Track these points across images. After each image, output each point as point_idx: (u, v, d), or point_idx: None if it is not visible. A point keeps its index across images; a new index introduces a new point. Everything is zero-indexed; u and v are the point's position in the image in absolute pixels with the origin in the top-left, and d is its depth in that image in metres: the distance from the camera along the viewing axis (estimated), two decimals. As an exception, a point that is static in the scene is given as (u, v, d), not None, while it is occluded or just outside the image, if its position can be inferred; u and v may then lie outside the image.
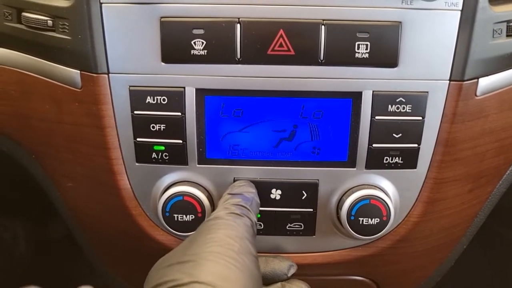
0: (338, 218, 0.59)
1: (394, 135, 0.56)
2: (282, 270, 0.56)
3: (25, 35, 0.56)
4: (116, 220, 0.63)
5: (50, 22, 0.54)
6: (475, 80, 0.55)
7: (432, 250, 0.66)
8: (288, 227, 0.60)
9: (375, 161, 0.57)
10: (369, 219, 0.57)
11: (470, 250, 0.70)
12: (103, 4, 0.52)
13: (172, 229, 0.58)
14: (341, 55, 0.53)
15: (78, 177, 0.62)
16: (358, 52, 0.53)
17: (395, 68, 0.54)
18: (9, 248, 1.16)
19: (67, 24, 0.53)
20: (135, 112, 0.55)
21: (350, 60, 0.53)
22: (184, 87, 0.54)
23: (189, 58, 0.53)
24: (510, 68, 0.56)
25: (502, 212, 0.69)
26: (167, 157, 0.57)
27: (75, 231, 0.70)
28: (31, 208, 1.12)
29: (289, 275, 0.56)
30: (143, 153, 0.57)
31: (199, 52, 0.53)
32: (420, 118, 0.55)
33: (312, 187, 0.59)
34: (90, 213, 0.65)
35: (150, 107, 0.55)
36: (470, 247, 0.69)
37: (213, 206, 0.59)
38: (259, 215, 0.60)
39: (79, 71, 0.55)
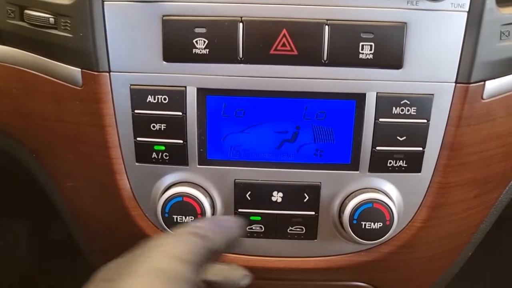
0: (340, 221, 0.58)
1: (398, 138, 0.55)
2: (234, 280, 0.51)
3: (27, 32, 0.56)
4: (115, 220, 0.62)
5: (52, 20, 0.54)
6: (482, 83, 0.54)
7: (437, 257, 0.65)
8: (289, 230, 0.59)
9: (379, 164, 0.56)
10: (372, 223, 0.56)
11: (473, 257, 0.69)
12: (105, 2, 0.52)
13: (171, 230, 0.57)
14: (345, 55, 0.52)
15: (78, 177, 0.62)
16: (362, 53, 0.52)
17: (400, 70, 0.53)
18: (11, 249, 1.16)
19: (69, 21, 0.53)
20: (136, 111, 0.55)
21: (354, 61, 0.52)
22: (185, 87, 0.54)
23: (190, 57, 0.52)
24: (518, 71, 0.55)
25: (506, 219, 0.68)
26: (167, 157, 0.56)
27: (74, 231, 0.69)
28: (33, 208, 1.12)
29: (241, 284, 0.51)
30: (143, 153, 0.57)
31: (201, 51, 0.52)
32: (425, 121, 0.54)
33: (314, 190, 0.58)
34: (89, 213, 0.65)
35: (151, 106, 0.54)
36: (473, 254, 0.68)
37: (213, 208, 0.58)
38: (259, 218, 0.59)
39: (80, 69, 0.55)
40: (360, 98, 0.54)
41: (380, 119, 0.54)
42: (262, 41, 0.52)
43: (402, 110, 0.54)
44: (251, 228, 0.59)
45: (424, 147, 0.56)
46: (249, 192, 0.58)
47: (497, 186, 0.62)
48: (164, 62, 0.53)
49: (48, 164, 0.64)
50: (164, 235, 0.43)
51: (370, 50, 0.52)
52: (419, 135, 0.55)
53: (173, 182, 0.58)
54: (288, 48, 0.52)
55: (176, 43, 0.52)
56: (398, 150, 0.55)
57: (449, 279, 0.69)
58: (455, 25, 0.52)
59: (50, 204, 0.71)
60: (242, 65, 0.53)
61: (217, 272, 0.51)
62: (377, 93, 0.54)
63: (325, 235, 0.60)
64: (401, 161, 0.56)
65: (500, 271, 1.05)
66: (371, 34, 0.51)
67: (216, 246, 0.44)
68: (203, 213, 0.56)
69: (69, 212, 0.67)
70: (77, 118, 0.57)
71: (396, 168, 0.56)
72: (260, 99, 0.55)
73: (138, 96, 0.54)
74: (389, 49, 0.52)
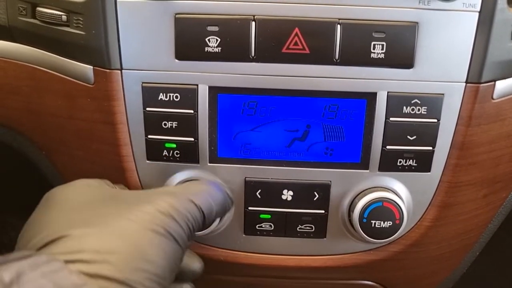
0: (350, 220, 0.58)
1: (408, 137, 0.55)
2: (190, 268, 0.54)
3: (39, 30, 0.56)
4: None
5: (64, 17, 0.54)
6: (492, 82, 0.54)
7: (445, 256, 0.65)
8: (299, 228, 0.60)
9: (389, 163, 0.56)
10: (382, 222, 0.56)
11: (479, 257, 0.69)
12: (118, 0, 0.52)
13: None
14: (357, 55, 0.52)
15: (88, 174, 0.61)
16: (374, 52, 0.52)
17: (411, 69, 0.53)
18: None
19: (81, 19, 0.53)
20: (147, 108, 0.55)
21: (366, 60, 0.52)
22: (197, 85, 0.54)
23: (203, 55, 0.53)
24: (528, 72, 0.56)
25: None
26: (178, 155, 0.57)
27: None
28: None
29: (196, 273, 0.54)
30: (154, 151, 0.57)
31: (213, 50, 0.52)
32: (436, 120, 0.55)
33: (324, 189, 0.58)
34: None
35: (163, 104, 0.55)
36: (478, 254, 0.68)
37: (224, 206, 0.58)
38: (269, 216, 0.59)
39: (92, 67, 0.55)
40: (371, 97, 0.54)
41: (391, 118, 0.54)
42: (274, 40, 0.52)
43: (412, 110, 0.54)
44: (261, 226, 0.60)
45: (434, 147, 0.56)
46: (259, 190, 0.58)
47: (505, 186, 0.62)
48: (176, 60, 0.53)
49: (58, 162, 0.64)
50: (168, 190, 0.47)
51: (382, 49, 0.52)
52: (429, 134, 0.55)
53: (184, 180, 0.58)
54: (300, 46, 0.52)
55: (189, 41, 0.52)
56: (408, 149, 0.56)
57: (457, 278, 0.69)
58: (466, 25, 0.52)
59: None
60: (254, 63, 0.53)
61: None
62: (388, 92, 0.54)
63: (335, 234, 0.60)
64: (411, 160, 0.56)
65: (505, 271, 1.05)
66: (383, 34, 0.51)
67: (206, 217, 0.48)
68: (213, 211, 0.56)
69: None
70: (88, 115, 0.57)
71: (406, 167, 0.56)
72: (271, 97, 0.55)
73: (149, 94, 0.55)
74: (401, 49, 0.52)
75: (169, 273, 0.41)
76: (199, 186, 0.50)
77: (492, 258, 1.01)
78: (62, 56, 0.57)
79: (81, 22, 0.53)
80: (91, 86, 0.55)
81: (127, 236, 0.40)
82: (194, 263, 0.54)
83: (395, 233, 0.57)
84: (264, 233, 0.60)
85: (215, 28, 0.52)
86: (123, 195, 0.48)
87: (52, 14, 0.54)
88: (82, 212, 0.43)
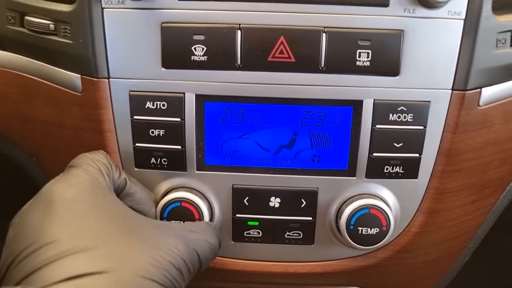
0: (337, 227, 0.58)
1: (395, 144, 0.55)
2: None
3: (27, 38, 0.57)
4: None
5: (52, 26, 0.54)
6: (478, 90, 0.54)
7: (433, 262, 0.65)
8: (287, 235, 0.60)
9: (376, 170, 0.57)
10: (369, 229, 0.56)
11: (471, 260, 0.69)
12: (104, 9, 0.52)
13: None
14: (342, 63, 0.52)
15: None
16: (359, 60, 0.52)
17: (397, 77, 0.53)
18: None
19: (68, 28, 0.54)
20: (135, 117, 0.55)
21: (351, 68, 0.52)
22: (184, 93, 0.54)
23: (189, 64, 0.53)
24: (514, 79, 0.56)
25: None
26: (166, 163, 0.57)
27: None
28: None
29: None
30: (142, 158, 0.57)
31: (199, 58, 0.52)
32: (422, 127, 0.55)
33: (312, 195, 0.58)
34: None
35: (150, 112, 0.55)
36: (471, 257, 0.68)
37: (211, 213, 0.58)
38: (257, 223, 0.59)
39: (79, 75, 0.55)
40: (357, 105, 0.54)
41: (377, 126, 0.55)
42: (260, 48, 0.52)
43: (399, 117, 0.54)
44: (249, 233, 0.60)
45: (420, 154, 0.56)
46: (247, 198, 0.58)
47: (494, 192, 0.62)
48: (163, 69, 0.54)
49: (48, 168, 0.65)
50: (178, 233, 0.48)
51: (367, 57, 0.52)
52: (415, 141, 0.55)
53: (171, 188, 0.58)
54: (286, 55, 0.52)
55: (175, 50, 0.53)
56: (395, 156, 0.56)
57: (446, 284, 0.69)
58: (452, 32, 0.52)
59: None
60: (240, 71, 0.53)
61: None
62: (374, 100, 0.54)
63: (322, 240, 0.61)
64: (397, 167, 0.56)
65: (498, 274, 1.05)
66: (368, 42, 0.52)
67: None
68: (201, 218, 0.57)
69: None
70: (76, 123, 0.58)
71: (393, 174, 0.57)
72: (258, 105, 0.55)
73: (137, 102, 0.55)
74: (386, 57, 0.52)
75: None
76: (204, 235, 0.50)
77: (487, 261, 1.01)
78: (50, 65, 0.57)
79: (69, 31, 0.54)
80: (79, 94, 0.56)
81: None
82: None
83: (382, 239, 0.57)
84: (252, 240, 0.60)
85: (201, 37, 0.52)
86: (133, 221, 0.47)
87: (40, 23, 0.55)
88: (86, 233, 0.43)
